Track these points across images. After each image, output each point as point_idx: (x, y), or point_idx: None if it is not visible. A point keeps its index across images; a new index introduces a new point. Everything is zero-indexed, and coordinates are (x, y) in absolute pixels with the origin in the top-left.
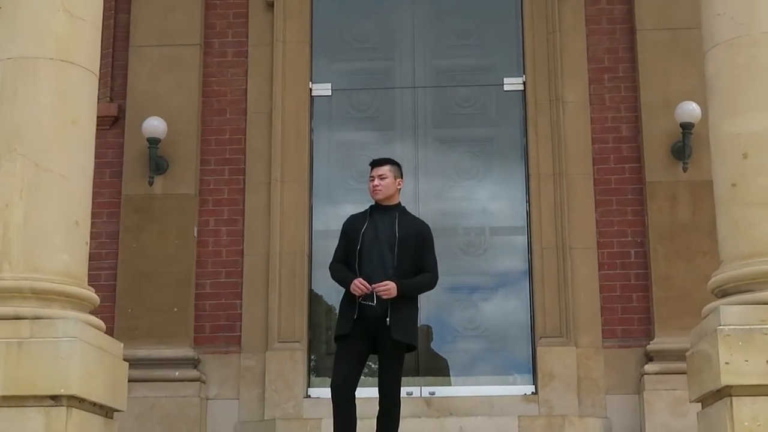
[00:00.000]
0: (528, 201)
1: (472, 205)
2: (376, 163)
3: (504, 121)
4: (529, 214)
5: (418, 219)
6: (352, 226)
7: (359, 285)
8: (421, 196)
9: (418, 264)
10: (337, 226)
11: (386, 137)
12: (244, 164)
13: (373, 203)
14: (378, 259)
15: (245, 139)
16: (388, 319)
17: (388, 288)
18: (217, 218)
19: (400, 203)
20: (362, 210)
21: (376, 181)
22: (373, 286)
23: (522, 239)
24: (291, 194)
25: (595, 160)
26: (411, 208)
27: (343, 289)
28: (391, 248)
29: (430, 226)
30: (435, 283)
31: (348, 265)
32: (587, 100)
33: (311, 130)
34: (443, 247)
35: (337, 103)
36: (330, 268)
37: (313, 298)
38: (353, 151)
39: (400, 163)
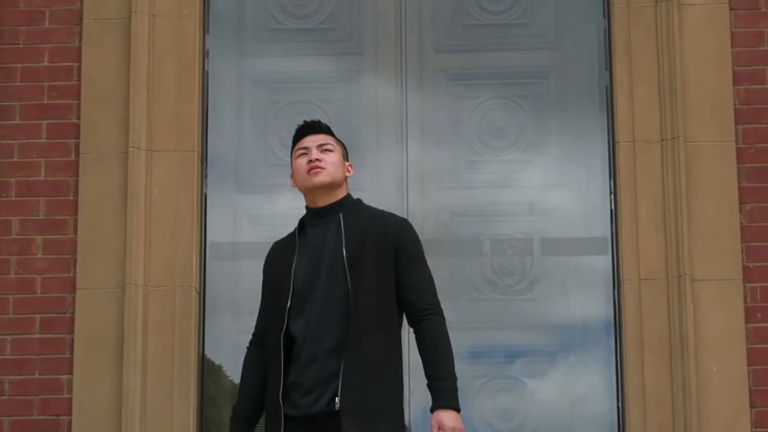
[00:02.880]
0: (613, 191)
1: (510, 196)
2: (310, 128)
3: (569, 39)
4: (615, 214)
5: (380, 212)
6: (274, 262)
7: None
8: (413, 181)
9: (392, 294)
10: (254, 234)
11: (347, 67)
12: (78, 117)
13: (304, 213)
14: (318, 311)
15: (79, 69)
16: (338, 399)
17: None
18: (25, 218)
19: (348, 196)
20: (291, 232)
21: (315, 153)
22: None
23: (602, 262)
24: (167, 175)
25: (738, 114)
26: (396, 204)
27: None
28: (339, 280)
29: (424, 230)
30: (445, 323)
31: (269, 340)
32: (725, 0)
33: (205, 54)
34: (454, 276)
35: (255, 2)
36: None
37: (209, 372)
38: (284, 93)
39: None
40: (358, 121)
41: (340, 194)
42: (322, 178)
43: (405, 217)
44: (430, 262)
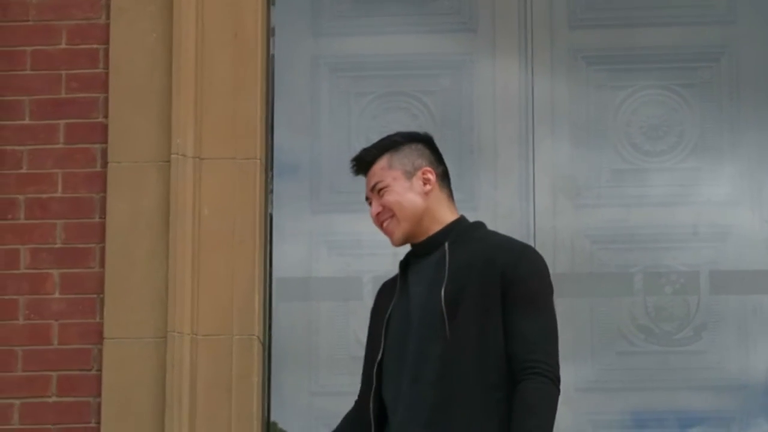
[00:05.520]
0: None
1: (670, 216)
2: (358, 170)
3: (748, 8)
4: None
5: (495, 238)
6: (375, 309)
7: None
8: (541, 196)
9: (500, 348)
10: (334, 267)
11: (455, 49)
12: (105, 116)
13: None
14: (411, 372)
15: (107, 53)
16: None
17: None
18: (37, 247)
19: (460, 219)
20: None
21: (374, 207)
22: None
23: None
24: (221, 189)
25: None
26: (519, 227)
27: None
28: (436, 332)
29: (555, 261)
30: (557, 392)
31: (358, 405)
32: None
33: (270, 33)
34: (596, 321)
35: None
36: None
37: None
38: (373, 82)
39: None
40: (469, 118)
41: (438, 220)
42: (398, 236)
43: (529, 243)
44: (563, 303)
